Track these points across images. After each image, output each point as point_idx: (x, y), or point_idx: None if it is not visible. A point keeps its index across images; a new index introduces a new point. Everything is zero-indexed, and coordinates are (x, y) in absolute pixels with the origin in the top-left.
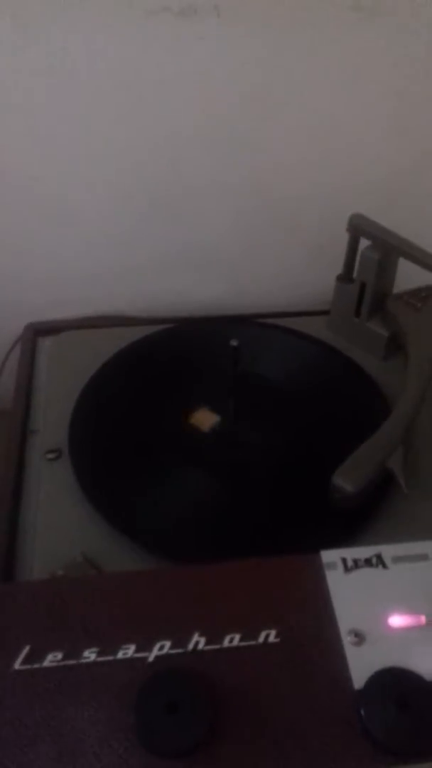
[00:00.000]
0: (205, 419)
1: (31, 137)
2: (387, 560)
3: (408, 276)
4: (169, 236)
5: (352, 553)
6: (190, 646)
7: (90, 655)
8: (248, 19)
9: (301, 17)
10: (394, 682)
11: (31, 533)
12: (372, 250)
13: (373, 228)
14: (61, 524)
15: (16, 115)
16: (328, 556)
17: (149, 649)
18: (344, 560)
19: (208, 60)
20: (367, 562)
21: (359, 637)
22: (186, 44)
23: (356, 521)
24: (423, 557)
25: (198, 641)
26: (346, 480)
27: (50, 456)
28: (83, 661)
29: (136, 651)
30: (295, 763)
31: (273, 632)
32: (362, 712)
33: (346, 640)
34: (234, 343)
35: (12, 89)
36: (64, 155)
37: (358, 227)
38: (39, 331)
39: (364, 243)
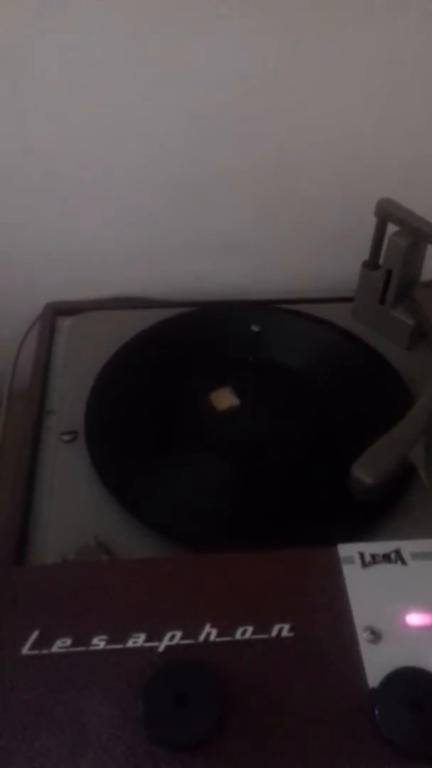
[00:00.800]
0: (223, 399)
1: (52, 117)
2: (406, 556)
3: None
4: (191, 220)
5: (370, 547)
6: (202, 638)
7: (99, 642)
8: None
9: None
10: (409, 682)
11: (45, 515)
12: (400, 236)
13: (402, 213)
14: (74, 506)
15: (37, 95)
16: (346, 550)
17: (159, 639)
18: (362, 555)
19: (232, 43)
20: (386, 558)
21: (375, 635)
22: (210, 25)
23: (375, 515)
24: None
25: (210, 632)
26: (365, 472)
27: (66, 437)
28: (92, 648)
29: (146, 640)
30: (305, 760)
31: (287, 626)
32: (376, 711)
33: (362, 637)
34: (255, 328)
35: (33, 67)
36: (84, 136)
37: (386, 212)
38: (59, 311)
39: (391, 230)
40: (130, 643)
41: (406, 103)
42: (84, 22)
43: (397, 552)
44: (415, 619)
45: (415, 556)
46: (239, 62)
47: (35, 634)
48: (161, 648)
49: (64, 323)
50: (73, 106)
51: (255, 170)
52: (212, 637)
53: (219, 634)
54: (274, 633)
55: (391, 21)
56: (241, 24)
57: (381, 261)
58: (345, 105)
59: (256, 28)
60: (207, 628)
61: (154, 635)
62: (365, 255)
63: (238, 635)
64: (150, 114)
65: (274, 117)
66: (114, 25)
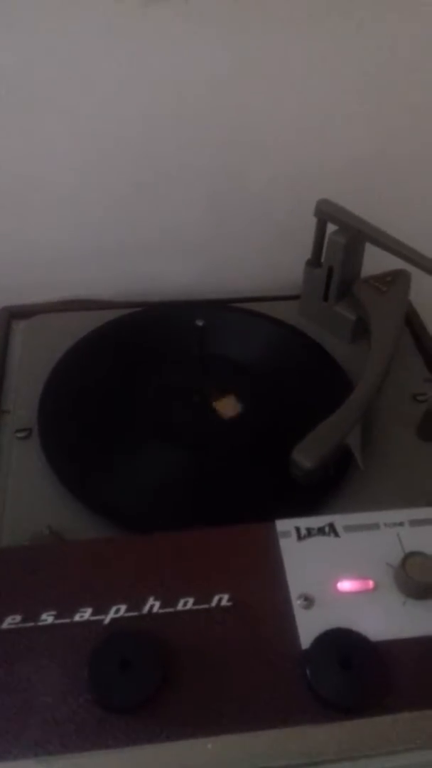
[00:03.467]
0: (229, 407)
1: (5, 119)
2: (339, 529)
3: (377, 262)
4: (143, 220)
5: (305, 522)
6: (145, 609)
7: (47, 618)
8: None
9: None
10: (338, 642)
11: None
12: (339, 235)
13: (340, 213)
14: (29, 500)
15: None
16: (283, 525)
17: (105, 613)
18: (298, 529)
19: (182, 44)
20: (320, 531)
21: (308, 601)
22: (160, 27)
23: (315, 496)
24: (374, 526)
25: (153, 605)
26: (304, 456)
27: (20, 435)
28: (41, 623)
29: (93, 614)
30: (244, 719)
31: (226, 596)
32: (308, 670)
33: (296, 603)
34: (199, 323)
35: None
36: (37, 138)
37: (325, 212)
38: (14, 314)
39: (332, 228)
40: (77, 618)
41: (347, 105)
42: (34, 18)
43: (331, 525)
44: (345, 585)
45: (348, 528)
46: (188, 64)
47: None
48: (107, 620)
49: (19, 326)
50: (21, 106)
51: (203, 170)
52: (155, 609)
53: (162, 606)
54: (213, 603)
55: (333, 24)
56: (189, 26)
57: (323, 259)
58: (289, 107)
59: (203, 30)
60: (150, 600)
61: (100, 609)
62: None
63: (179, 606)
64: (99, 114)
65: (222, 118)
66: (65, 23)
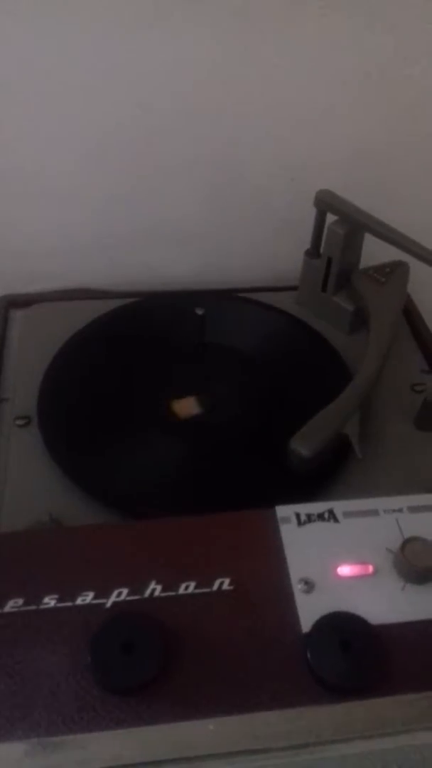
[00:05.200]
0: (185, 407)
1: (3, 109)
2: (338, 515)
3: (375, 253)
4: (143, 211)
5: (305, 508)
6: (147, 593)
7: (50, 601)
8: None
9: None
10: (338, 625)
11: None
12: (338, 225)
13: (339, 203)
14: (29, 487)
15: None
16: (283, 511)
17: (107, 596)
18: (298, 515)
19: (180, 37)
20: (320, 517)
21: (309, 585)
22: (159, 18)
23: (314, 484)
24: (373, 512)
25: (155, 588)
26: (302, 445)
27: (19, 422)
28: (43, 606)
29: (95, 598)
30: (244, 699)
31: (227, 580)
32: (308, 652)
33: (297, 587)
34: (199, 311)
35: None
36: (37, 127)
37: (325, 202)
38: (12, 303)
39: (331, 219)
40: (79, 601)
41: (348, 98)
42: (29, 13)
43: (330, 511)
44: (345, 570)
45: (347, 514)
46: (187, 56)
47: None
48: (108, 604)
49: (17, 315)
50: (20, 97)
51: (203, 161)
52: (157, 593)
53: (163, 590)
54: (215, 587)
55: (332, 16)
56: (188, 18)
57: (322, 250)
58: (290, 99)
59: (203, 22)
60: (152, 584)
61: (102, 593)
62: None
63: (181, 590)
64: (99, 105)
65: (222, 109)
66: (65, 15)
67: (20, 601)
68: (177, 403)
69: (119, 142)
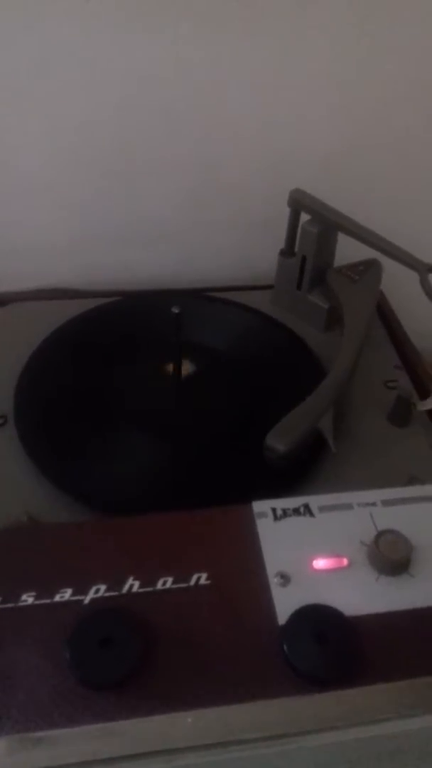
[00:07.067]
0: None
1: None
2: (314, 509)
3: (352, 252)
4: (119, 210)
5: (281, 503)
6: (125, 589)
7: (27, 598)
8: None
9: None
10: (313, 617)
11: None
12: (311, 224)
13: (312, 203)
14: (6, 486)
15: None
16: (259, 506)
17: (85, 593)
18: (274, 510)
19: (159, 38)
20: (296, 511)
21: (285, 579)
22: (137, 20)
23: (289, 479)
24: (348, 506)
25: (132, 584)
26: (277, 441)
27: None
28: (21, 604)
29: (73, 594)
30: (221, 691)
31: (204, 575)
32: (284, 645)
33: (273, 581)
34: (176, 309)
35: None
36: (11, 126)
37: (298, 202)
38: None
39: (305, 218)
40: (57, 598)
41: (324, 98)
42: (13, 16)
43: (306, 506)
44: (320, 563)
45: (322, 508)
46: (166, 57)
47: None
48: (87, 600)
49: None
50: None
51: (181, 160)
52: (135, 589)
53: (141, 586)
54: (192, 582)
55: (303, 17)
56: (167, 20)
57: (296, 249)
58: (265, 101)
59: (181, 24)
60: (130, 580)
61: (80, 590)
62: None
63: (159, 585)
64: (77, 104)
65: (199, 109)
66: (43, 11)
67: None
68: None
69: (95, 142)
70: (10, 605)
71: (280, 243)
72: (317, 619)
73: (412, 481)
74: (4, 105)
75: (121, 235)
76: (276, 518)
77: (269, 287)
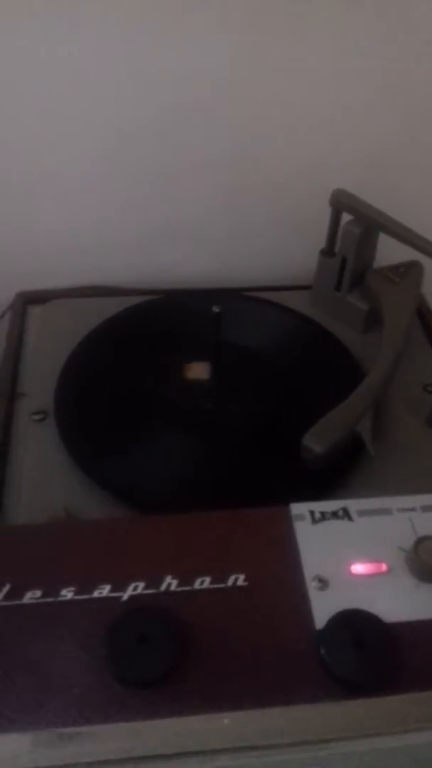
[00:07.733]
0: (195, 370)
1: (21, 108)
2: (352, 513)
3: (390, 253)
4: (159, 211)
5: (320, 506)
6: (163, 587)
7: (67, 594)
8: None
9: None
10: (351, 623)
11: (17, 490)
12: (353, 225)
13: (355, 202)
14: (45, 482)
15: (6, 87)
16: (297, 508)
17: (123, 590)
18: (312, 513)
19: (200, 39)
20: (334, 515)
21: (323, 583)
22: (179, 21)
23: (327, 481)
24: (386, 511)
25: (170, 583)
26: (315, 442)
27: (36, 417)
28: (60, 599)
29: (111, 591)
30: (258, 693)
31: (242, 576)
32: (322, 649)
33: (311, 585)
34: (216, 309)
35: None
36: (54, 127)
37: (340, 202)
38: (29, 299)
39: (347, 218)
40: (96, 594)
41: (364, 98)
42: (44, 14)
43: (345, 509)
44: (359, 568)
45: (361, 513)
46: (207, 58)
47: (7, 587)
48: (125, 597)
49: (34, 311)
50: (38, 98)
51: (221, 162)
52: (173, 587)
53: (179, 584)
54: (230, 582)
55: (346, 16)
56: (208, 21)
57: (337, 249)
58: (307, 101)
59: (218, 23)
60: (168, 579)
61: (119, 586)
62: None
63: (196, 585)
64: (120, 106)
65: (240, 111)
66: (82, 15)
67: (38, 593)
68: (188, 366)
69: (135, 143)
70: (50, 599)
71: (318, 244)
72: (355, 625)
73: None
74: (44, 111)
75: (158, 235)
76: (314, 521)
77: (306, 288)
